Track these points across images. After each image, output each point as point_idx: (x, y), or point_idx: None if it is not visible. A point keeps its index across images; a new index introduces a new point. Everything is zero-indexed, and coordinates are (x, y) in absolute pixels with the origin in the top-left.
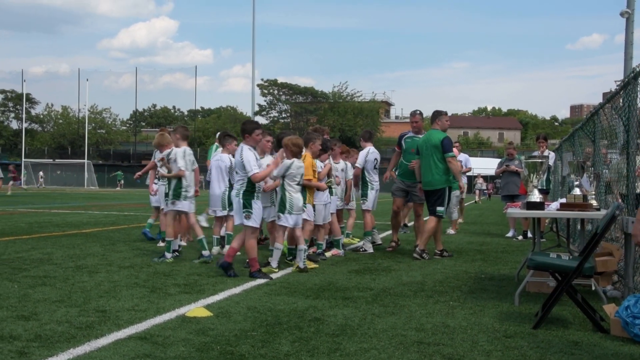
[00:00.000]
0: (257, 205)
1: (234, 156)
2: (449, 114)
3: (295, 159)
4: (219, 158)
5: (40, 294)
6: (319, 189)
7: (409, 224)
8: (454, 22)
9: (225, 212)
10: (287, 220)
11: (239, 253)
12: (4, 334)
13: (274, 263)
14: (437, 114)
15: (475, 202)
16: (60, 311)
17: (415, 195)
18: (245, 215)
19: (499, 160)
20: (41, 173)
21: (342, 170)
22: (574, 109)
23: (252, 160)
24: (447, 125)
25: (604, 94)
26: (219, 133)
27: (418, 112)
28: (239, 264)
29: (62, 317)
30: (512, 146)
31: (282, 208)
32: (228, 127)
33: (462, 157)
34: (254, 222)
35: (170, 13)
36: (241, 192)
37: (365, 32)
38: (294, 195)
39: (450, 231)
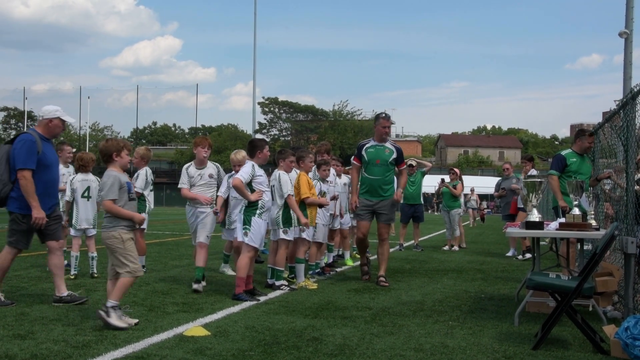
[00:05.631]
0: (256, 222)
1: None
2: (449, 132)
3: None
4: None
5: (37, 313)
6: (321, 205)
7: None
8: (452, 43)
9: None
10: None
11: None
12: (0, 354)
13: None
14: (577, 135)
15: (471, 225)
16: (57, 330)
17: (384, 214)
18: (244, 232)
19: (499, 179)
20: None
21: (345, 184)
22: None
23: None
24: (583, 145)
25: (604, 113)
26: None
27: (389, 115)
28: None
29: (58, 336)
30: (508, 162)
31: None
32: (228, 144)
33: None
34: (251, 240)
35: (175, 32)
36: (243, 207)
37: (365, 53)
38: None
39: (455, 247)
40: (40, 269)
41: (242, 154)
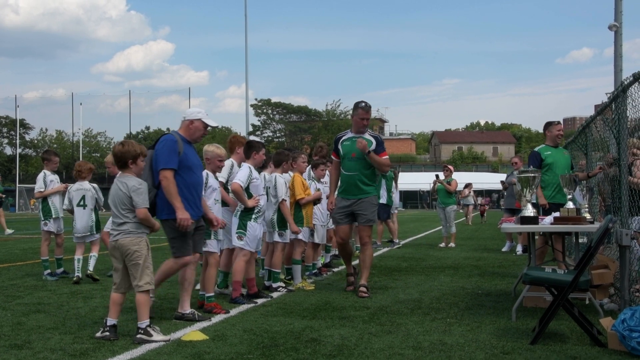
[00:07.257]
0: (252, 227)
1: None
2: (442, 129)
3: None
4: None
5: (34, 322)
6: (315, 202)
7: (396, 240)
8: (443, 41)
9: None
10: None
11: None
12: None
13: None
14: (545, 127)
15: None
16: (54, 339)
17: (363, 215)
18: (238, 236)
19: (493, 174)
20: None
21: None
22: (567, 121)
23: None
24: (552, 135)
25: (596, 106)
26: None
27: (369, 106)
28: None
29: (55, 344)
30: (517, 156)
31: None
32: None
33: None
34: (246, 244)
35: (167, 36)
36: (239, 211)
37: (357, 52)
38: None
39: (451, 244)
40: (36, 277)
41: (223, 150)
